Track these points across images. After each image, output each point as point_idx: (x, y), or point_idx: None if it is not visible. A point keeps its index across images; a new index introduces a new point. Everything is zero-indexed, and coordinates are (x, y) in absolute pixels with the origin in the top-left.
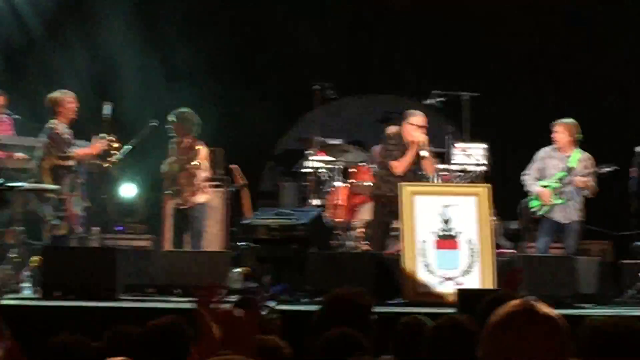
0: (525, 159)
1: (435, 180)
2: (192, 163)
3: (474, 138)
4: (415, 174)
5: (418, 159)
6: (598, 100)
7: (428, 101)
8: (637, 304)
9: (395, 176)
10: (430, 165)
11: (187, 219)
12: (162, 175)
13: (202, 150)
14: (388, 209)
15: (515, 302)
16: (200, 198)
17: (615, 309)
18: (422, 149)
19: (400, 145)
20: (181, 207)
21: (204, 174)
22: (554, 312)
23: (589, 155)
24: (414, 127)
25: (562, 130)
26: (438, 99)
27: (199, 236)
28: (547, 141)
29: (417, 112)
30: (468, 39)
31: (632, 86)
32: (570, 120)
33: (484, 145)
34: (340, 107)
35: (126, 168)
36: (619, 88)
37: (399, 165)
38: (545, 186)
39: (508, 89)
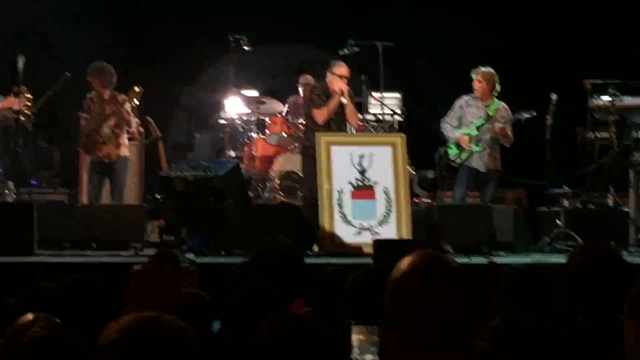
0: (441, 108)
1: (353, 131)
2: (124, 108)
3: (388, 88)
4: (340, 125)
5: (342, 109)
6: (514, 47)
7: (345, 51)
8: (553, 251)
9: (318, 126)
10: (353, 116)
11: (107, 173)
12: (81, 128)
13: (127, 101)
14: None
15: (418, 253)
16: (123, 151)
17: (532, 256)
18: (345, 98)
19: (323, 95)
20: (102, 161)
21: (133, 124)
22: (458, 263)
23: (506, 105)
24: (337, 77)
25: (481, 79)
26: (353, 49)
27: (121, 190)
28: (463, 90)
29: (341, 62)
30: None
31: (548, 32)
32: (489, 69)
33: (399, 95)
34: (254, 58)
35: (41, 121)
36: (535, 34)
37: (321, 114)
38: (464, 134)
39: (422, 38)
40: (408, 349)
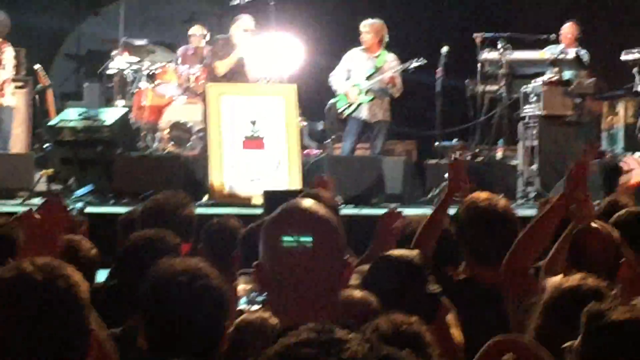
0: (332, 60)
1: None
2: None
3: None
4: (242, 78)
5: (243, 61)
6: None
7: (235, 2)
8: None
9: (219, 78)
10: (253, 70)
11: None
12: None
13: (9, 51)
14: None
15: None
16: (7, 100)
17: (421, 208)
18: (245, 51)
19: (226, 47)
20: None
21: (6, 75)
22: (329, 213)
23: (395, 56)
24: (241, 30)
25: (370, 30)
26: (246, 0)
27: (6, 139)
28: (353, 41)
29: (246, 15)
30: None
31: None
32: (377, 20)
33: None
34: (144, 7)
35: None
36: None
37: (221, 66)
38: (353, 86)
39: None
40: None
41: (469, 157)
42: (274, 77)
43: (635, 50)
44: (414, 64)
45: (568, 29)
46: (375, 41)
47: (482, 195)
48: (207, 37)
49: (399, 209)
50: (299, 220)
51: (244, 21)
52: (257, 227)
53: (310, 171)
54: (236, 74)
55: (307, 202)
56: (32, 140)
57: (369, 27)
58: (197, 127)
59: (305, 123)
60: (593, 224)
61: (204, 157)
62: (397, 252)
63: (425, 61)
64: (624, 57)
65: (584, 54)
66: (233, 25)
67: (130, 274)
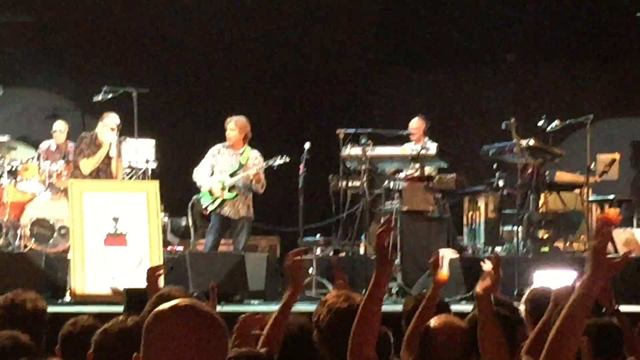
0: (194, 156)
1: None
2: None
3: (142, 134)
4: (109, 176)
5: (109, 159)
6: (268, 95)
7: (98, 97)
8: (304, 299)
9: (85, 176)
10: (119, 166)
11: None
12: None
13: None
14: None
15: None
16: None
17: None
18: (111, 149)
19: (92, 145)
20: None
21: None
22: (214, 310)
23: (259, 153)
24: (108, 128)
25: (235, 127)
26: (107, 95)
27: None
28: (217, 137)
29: (113, 113)
30: (131, 34)
31: (302, 81)
32: (242, 117)
33: (153, 142)
34: (5, 102)
35: None
36: (289, 83)
37: (86, 165)
38: (217, 182)
39: (177, 85)
40: None
41: (331, 253)
42: (138, 173)
43: (495, 145)
44: (278, 161)
45: (416, 124)
46: (240, 138)
47: (341, 294)
48: (69, 133)
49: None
50: (185, 316)
51: (110, 119)
52: (113, 327)
53: (173, 268)
54: (102, 172)
55: (191, 300)
56: None
57: (234, 123)
58: (60, 224)
59: (167, 219)
60: (442, 319)
61: (66, 254)
62: (246, 350)
63: (288, 158)
64: (484, 152)
65: (432, 147)
66: (99, 122)
67: None
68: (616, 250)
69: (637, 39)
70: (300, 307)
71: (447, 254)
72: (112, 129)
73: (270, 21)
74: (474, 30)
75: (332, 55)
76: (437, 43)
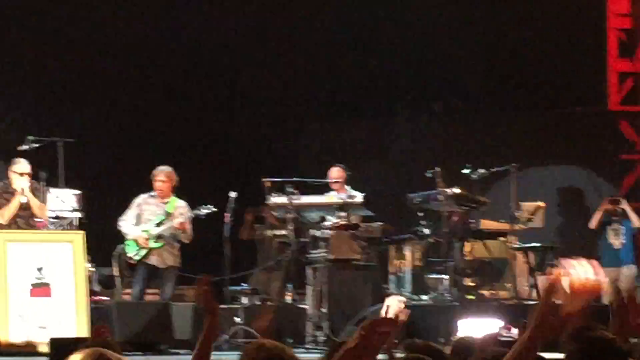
0: (120, 205)
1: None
2: None
3: (68, 184)
4: (28, 221)
5: (28, 205)
6: (194, 146)
7: (23, 147)
8: (232, 348)
9: (3, 225)
10: (41, 210)
11: None
12: None
13: None
14: None
15: (86, 350)
16: None
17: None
18: (24, 196)
19: (5, 194)
20: None
21: None
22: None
23: (186, 203)
24: (17, 174)
25: (163, 177)
26: (32, 145)
27: None
28: (143, 187)
29: (21, 159)
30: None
31: (226, 131)
32: (169, 167)
33: (78, 192)
34: None
35: None
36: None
37: (3, 214)
38: (143, 231)
39: (103, 135)
40: None
41: (259, 302)
42: (64, 223)
43: (421, 193)
44: (204, 210)
45: (336, 173)
46: (166, 187)
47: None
48: None
49: None
50: None
51: (18, 165)
52: None
53: (99, 318)
54: (21, 220)
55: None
56: None
57: (164, 175)
58: None
59: (93, 269)
60: None
61: None
62: None
63: (215, 208)
64: (410, 200)
65: (359, 196)
66: (9, 170)
67: None
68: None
69: (558, 90)
70: (227, 356)
71: (393, 303)
72: (22, 175)
73: (196, 72)
74: (400, 80)
75: (257, 105)
76: (363, 92)
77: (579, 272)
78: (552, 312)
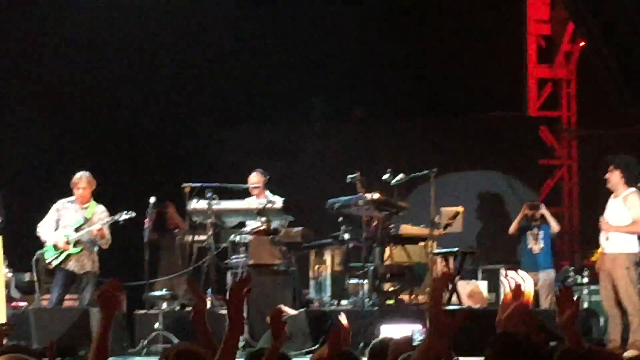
0: (38, 210)
1: None
2: None
3: None
4: None
5: None
6: (113, 151)
7: None
8: (150, 353)
9: None
10: None
11: None
12: None
13: None
14: None
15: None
16: None
17: (130, 358)
18: None
19: None
20: None
21: None
22: None
23: (104, 208)
24: None
25: (83, 184)
26: None
27: None
28: (62, 192)
29: None
30: None
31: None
32: (87, 173)
33: None
34: None
35: None
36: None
37: None
38: (62, 236)
39: (21, 140)
40: None
41: (178, 308)
42: None
43: (341, 199)
44: (124, 216)
45: (255, 178)
46: (86, 193)
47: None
48: None
49: None
50: None
51: None
52: None
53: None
54: None
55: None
56: None
57: (85, 181)
58: None
59: (11, 274)
60: None
61: None
62: None
63: (134, 214)
64: (330, 205)
65: (279, 201)
66: None
67: None
68: (460, 302)
69: (478, 95)
70: None
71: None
72: None
73: (115, 76)
74: (321, 85)
75: (177, 110)
76: (282, 97)
77: (517, 283)
78: (443, 316)
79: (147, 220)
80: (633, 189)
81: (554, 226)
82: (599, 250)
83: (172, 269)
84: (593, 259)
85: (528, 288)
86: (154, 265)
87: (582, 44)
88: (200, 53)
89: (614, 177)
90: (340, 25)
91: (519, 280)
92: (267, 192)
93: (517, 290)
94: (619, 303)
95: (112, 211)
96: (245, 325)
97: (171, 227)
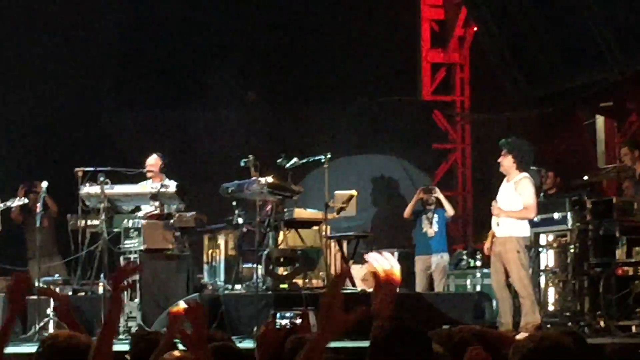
0: None
1: None
2: None
3: None
4: None
5: None
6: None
7: None
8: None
9: None
10: None
11: None
12: None
13: None
14: None
15: None
16: None
17: (23, 345)
18: None
19: None
20: None
21: None
22: None
23: None
24: None
25: None
26: None
27: None
28: None
29: None
30: None
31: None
32: None
33: None
34: None
35: None
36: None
37: None
38: None
39: None
40: None
41: (70, 292)
42: None
43: (234, 183)
44: (16, 202)
45: (153, 161)
46: None
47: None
48: None
49: None
50: None
51: None
52: None
53: None
54: None
55: None
56: None
57: None
58: None
59: None
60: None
61: None
62: None
63: (26, 200)
64: (223, 189)
65: (172, 185)
66: None
67: None
68: (354, 285)
69: (372, 80)
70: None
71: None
72: None
73: (6, 56)
74: (215, 69)
75: (69, 94)
76: (177, 80)
77: (382, 263)
78: (338, 304)
79: (38, 205)
80: (525, 174)
81: (449, 210)
82: (490, 233)
83: (39, 250)
84: (485, 242)
85: (396, 268)
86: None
87: (475, 28)
88: (94, 36)
89: (506, 161)
90: (234, 9)
91: (383, 261)
92: (164, 176)
93: (387, 274)
94: (510, 286)
95: (2, 196)
96: (138, 311)
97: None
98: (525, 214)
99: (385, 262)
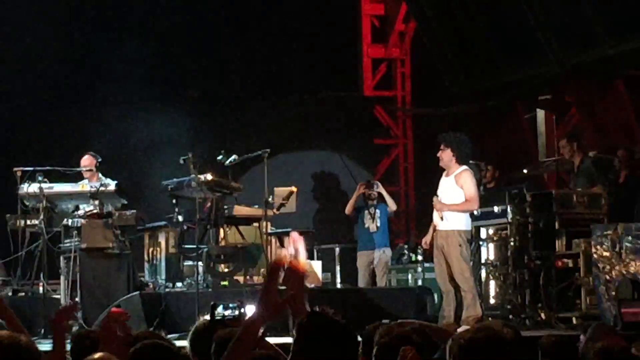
0: None
1: None
2: None
3: None
4: None
5: None
6: None
7: None
8: None
9: None
10: None
11: None
12: None
13: None
14: None
15: None
16: None
17: None
18: None
19: None
20: None
21: None
22: None
23: None
24: None
25: None
26: None
27: None
28: None
29: None
30: None
31: None
32: None
33: None
34: None
35: None
36: None
37: None
38: None
39: None
40: None
41: (10, 293)
42: None
43: (174, 180)
44: None
45: (87, 161)
46: None
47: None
48: None
49: None
50: None
51: None
52: None
53: None
54: None
55: None
56: None
57: None
58: None
59: None
60: None
61: None
62: None
63: None
64: (163, 187)
65: (112, 184)
66: None
67: None
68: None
69: (313, 75)
70: None
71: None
72: None
73: None
74: (155, 66)
75: (12, 94)
76: (116, 78)
77: (298, 253)
78: (274, 295)
79: None
80: (465, 167)
81: (391, 205)
82: (431, 227)
83: None
84: (426, 237)
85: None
86: None
87: (415, 24)
88: (30, 34)
89: (446, 156)
90: (175, 5)
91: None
92: (100, 175)
93: (292, 264)
94: (452, 279)
95: None
96: (79, 310)
97: None
98: (469, 206)
99: (292, 249)
